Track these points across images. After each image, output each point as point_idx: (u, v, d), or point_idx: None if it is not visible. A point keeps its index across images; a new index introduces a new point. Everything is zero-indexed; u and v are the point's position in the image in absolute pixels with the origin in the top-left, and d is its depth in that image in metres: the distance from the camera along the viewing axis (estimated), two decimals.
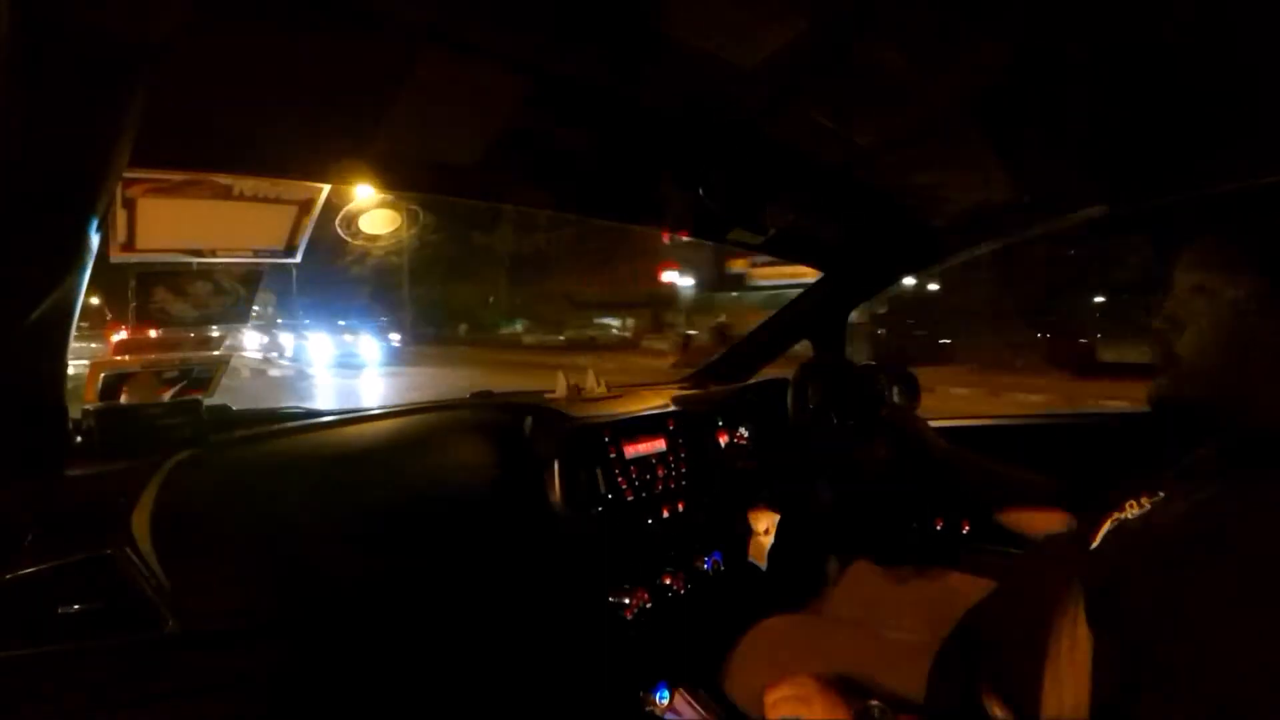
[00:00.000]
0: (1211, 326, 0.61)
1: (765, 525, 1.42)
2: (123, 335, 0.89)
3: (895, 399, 1.58)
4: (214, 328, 0.96)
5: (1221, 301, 0.60)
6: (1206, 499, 0.54)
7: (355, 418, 1.09)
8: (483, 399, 1.34)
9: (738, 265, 15.16)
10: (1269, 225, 0.60)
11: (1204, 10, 0.66)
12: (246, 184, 0.86)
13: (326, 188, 0.91)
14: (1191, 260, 0.63)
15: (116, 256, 0.81)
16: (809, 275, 1.68)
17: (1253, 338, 0.58)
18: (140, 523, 0.75)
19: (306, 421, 1.05)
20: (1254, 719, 0.43)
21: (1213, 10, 0.66)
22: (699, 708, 1.01)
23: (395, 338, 17.26)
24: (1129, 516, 0.62)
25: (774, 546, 1.48)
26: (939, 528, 1.47)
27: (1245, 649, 0.45)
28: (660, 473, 1.27)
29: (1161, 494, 0.61)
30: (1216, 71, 0.75)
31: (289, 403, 1.20)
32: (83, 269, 0.64)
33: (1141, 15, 0.67)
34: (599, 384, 1.44)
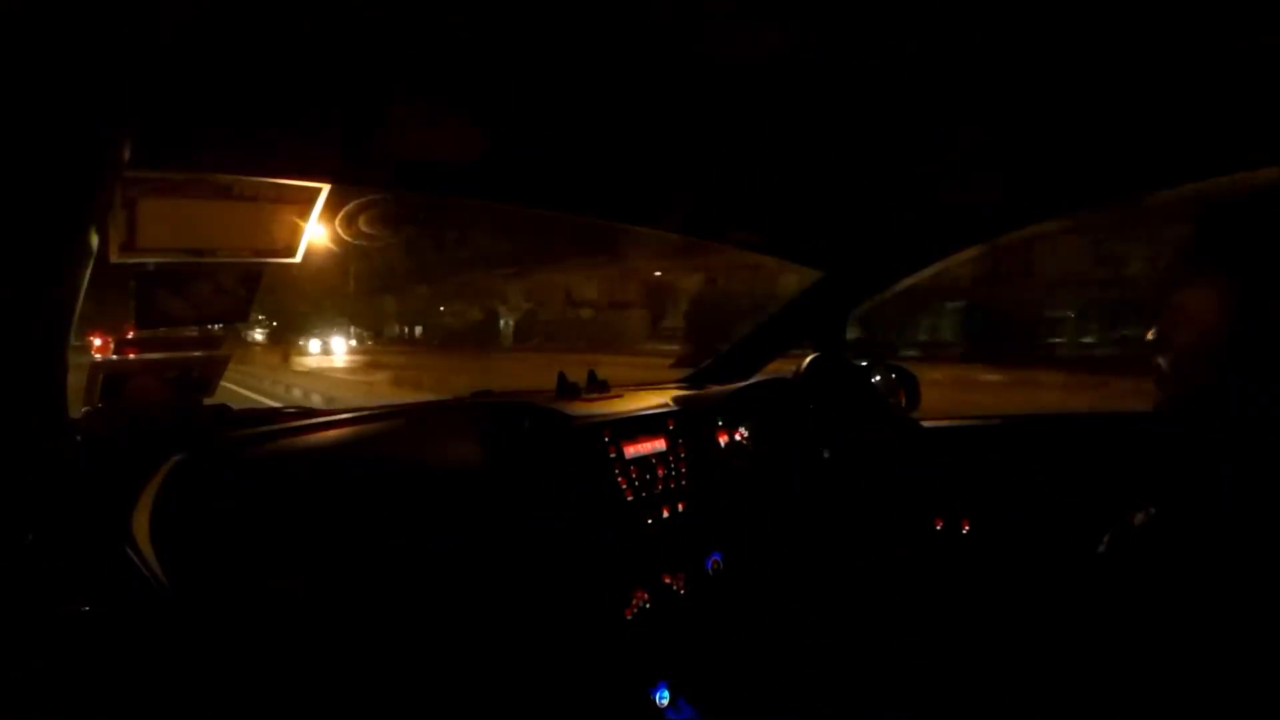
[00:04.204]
0: (1188, 341, 0.61)
1: None
2: (99, 342, 0.89)
3: (894, 400, 1.58)
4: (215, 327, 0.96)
5: (1193, 316, 0.61)
6: (1214, 520, 0.54)
7: (355, 417, 1.09)
8: (482, 398, 1.34)
9: None
10: (1230, 228, 0.61)
11: (1198, 10, 0.66)
12: (246, 184, 0.86)
13: (326, 188, 0.91)
14: (1164, 281, 0.64)
15: (116, 257, 0.81)
16: None
17: (1228, 345, 0.58)
18: (140, 523, 0.75)
19: (305, 421, 1.05)
20: None
21: (1206, 10, 0.66)
22: None
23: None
24: (1134, 523, 0.62)
25: (774, 547, 1.48)
26: (939, 528, 1.47)
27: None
28: (660, 473, 1.27)
29: (1167, 503, 0.60)
30: (1208, 68, 0.76)
31: None
32: (83, 269, 0.64)
33: (1135, 15, 0.67)
34: (599, 383, 1.44)
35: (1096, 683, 0.56)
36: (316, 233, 1.01)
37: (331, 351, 18.03)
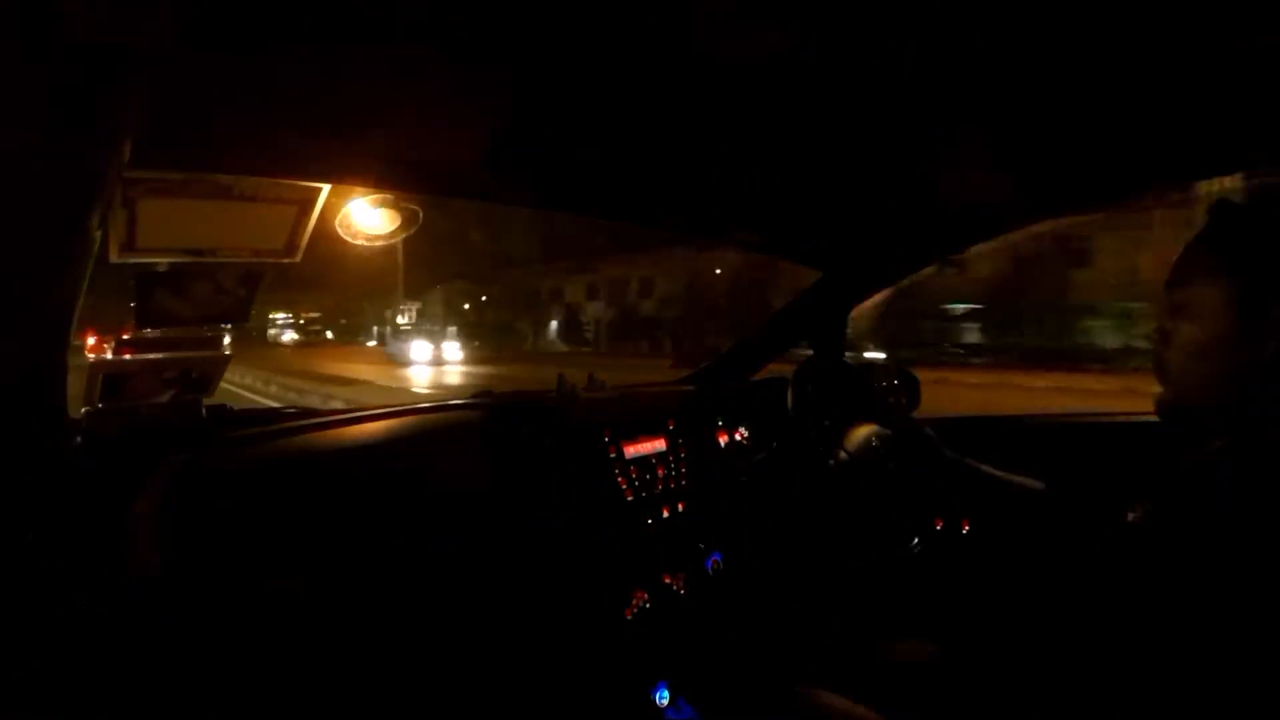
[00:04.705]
0: (1192, 338, 0.61)
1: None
2: (92, 341, 0.89)
3: (894, 400, 1.58)
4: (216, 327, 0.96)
5: (1198, 314, 0.60)
6: (1213, 520, 0.54)
7: (355, 417, 1.09)
8: (482, 398, 1.34)
9: None
10: (1237, 228, 0.61)
11: (1198, 10, 0.66)
12: (246, 184, 0.86)
13: (326, 188, 0.91)
14: (1171, 278, 0.64)
15: (116, 257, 0.81)
16: None
17: (1231, 344, 0.58)
18: (140, 523, 0.75)
19: (306, 421, 1.05)
20: None
21: (1207, 10, 0.66)
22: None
23: None
24: (1132, 521, 0.62)
25: (774, 547, 1.48)
26: (939, 528, 1.47)
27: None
28: (660, 473, 1.27)
29: (1165, 501, 0.60)
30: (1210, 68, 0.76)
31: None
32: (83, 269, 0.64)
33: (1135, 15, 0.67)
34: (599, 384, 1.44)
35: (1096, 682, 0.56)
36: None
37: (445, 360, 14.79)
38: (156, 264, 0.87)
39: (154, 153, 0.71)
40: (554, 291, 22.79)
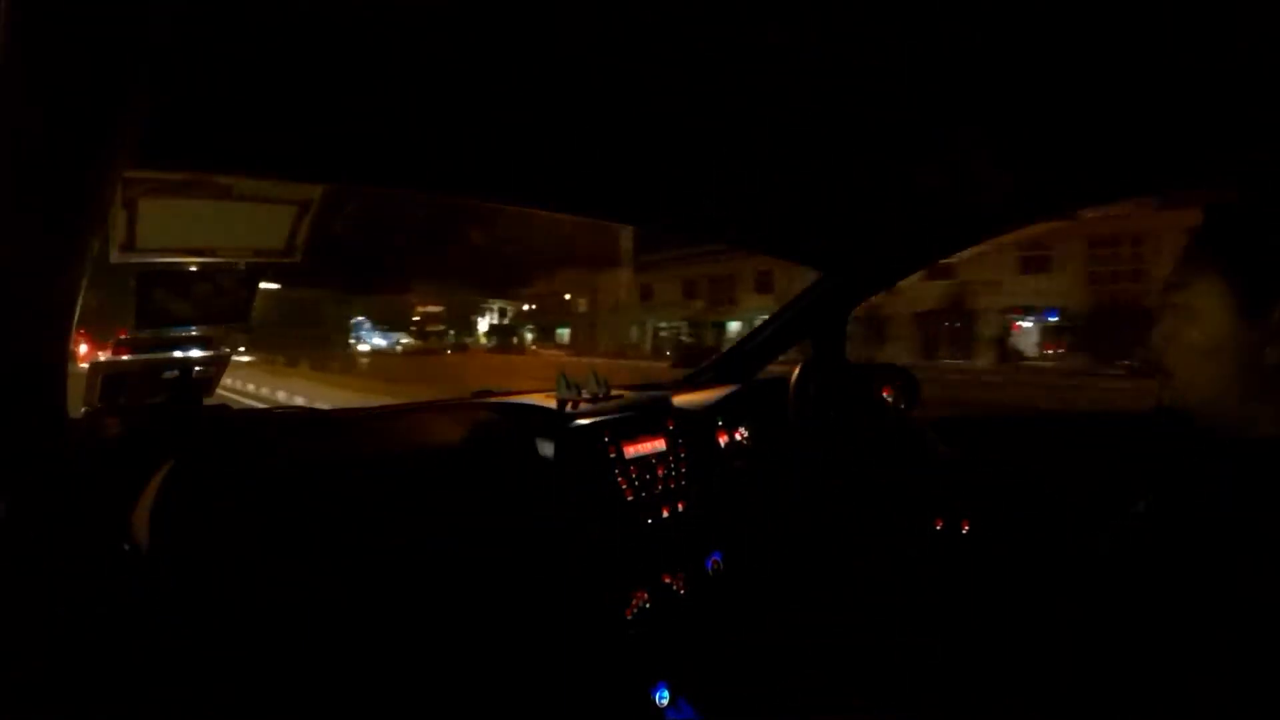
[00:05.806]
0: (1192, 341, 0.61)
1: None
2: (85, 348, 0.89)
3: (894, 400, 1.58)
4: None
5: (1198, 316, 0.60)
6: (1213, 519, 0.54)
7: (355, 417, 1.09)
8: (482, 398, 1.34)
9: None
10: (1237, 230, 0.60)
11: (1200, 12, 0.66)
12: (246, 184, 0.86)
13: (326, 188, 0.91)
14: (1170, 279, 0.64)
15: (116, 257, 0.82)
16: None
17: (1232, 347, 0.58)
18: (140, 523, 0.75)
19: (305, 422, 1.05)
20: None
21: (1209, 12, 0.66)
22: None
23: None
24: (1133, 516, 0.61)
25: (774, 547, 1.48)
26: (939, 528, 1.47)
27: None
28: (660, 473, 1.27)
29: (1166, 501, 0.60)
30: (1209, 68, 0.76)
31: None
32: (83, 269, 0.64)
33: (1135, 14, 0.67)
34: (599, 384, 1.44)
35: (1096, 682, 0.56)
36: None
37: None
38: (156, 264, 0.87)
39: (154, 153, 0.71)
40: (722, 280, 18.07)
